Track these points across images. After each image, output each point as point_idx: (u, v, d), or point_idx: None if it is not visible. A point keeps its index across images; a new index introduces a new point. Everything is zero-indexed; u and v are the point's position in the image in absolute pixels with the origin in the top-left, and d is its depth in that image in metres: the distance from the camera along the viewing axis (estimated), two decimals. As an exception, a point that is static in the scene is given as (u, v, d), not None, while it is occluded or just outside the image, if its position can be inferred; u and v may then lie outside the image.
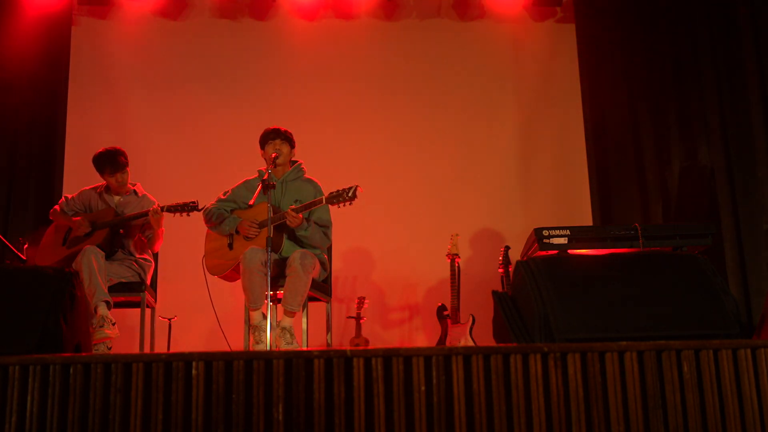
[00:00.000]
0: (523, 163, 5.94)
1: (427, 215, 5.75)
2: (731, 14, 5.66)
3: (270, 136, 4.34)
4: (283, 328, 3.95)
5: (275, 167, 4.26)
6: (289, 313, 3.97)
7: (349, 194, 3.92)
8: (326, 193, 4.12)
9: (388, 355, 2.16)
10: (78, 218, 4.40)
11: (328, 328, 4.44)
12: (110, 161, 4.40)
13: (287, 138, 4.35)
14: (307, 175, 4.41)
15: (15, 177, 5.56)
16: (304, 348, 4.20)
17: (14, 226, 5.45)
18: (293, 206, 4.08)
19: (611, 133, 5.84)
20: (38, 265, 4.27)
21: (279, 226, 4.09)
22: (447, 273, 4.93)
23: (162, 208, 4.30)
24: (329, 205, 4.09)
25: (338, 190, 3.96)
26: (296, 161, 4.43)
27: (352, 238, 5.48)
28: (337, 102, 5.95)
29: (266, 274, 3.95)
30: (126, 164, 4.45)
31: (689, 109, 5.75)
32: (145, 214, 4.31)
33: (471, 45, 6.11)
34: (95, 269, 4.00)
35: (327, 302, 4.41)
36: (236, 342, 4.51)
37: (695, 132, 5.72)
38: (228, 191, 4.40)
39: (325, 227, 4.26)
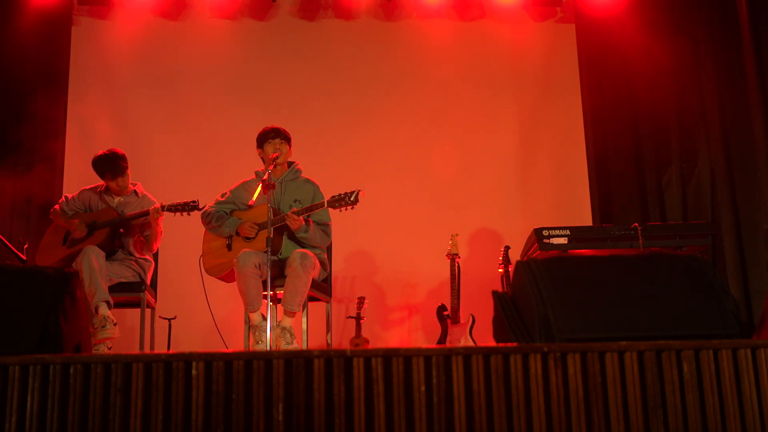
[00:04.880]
0: (523, 163, 5.93)
1: (427, 215, 5.75)
2: (731, 14, 5.66)
3: (269, 135, 4.33)
4: (283, 328, 3.95)
5: (275, 167, 4.26)
6: (289, 313, 3.97)
7: (351, 198, 3.92)
8: (325, 193, 4.13)
9: (388, 355, 2.16)
10: (76, 221, 4.39)
11: (328, 328, 4.44)
12: (111, 167, 4.40)
13: (286, 137, 4.35)
14: (304, 175, 4.41)
15: (16, 176, 5.56)
16: (304, 348, 4.20)
17: (15, 226, 5.45)
18: (294, 209, 4.08)
19: (611, 133, 5.84)
20: (38, 265, 4.28)
21: (279, 227, 4.09)
22: (447, 273, 4.93)
23: (162, 207, 4.30)
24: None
25: (340, 194, 3.96)
26: (293, 162, 4.43)
27: (352, 238, 5.47)
28: (337, 102, 5.95)
29: (260, 276, 3.96)
30: (126, 167, 4.45)
31: (689, 109, 5.75)
32: (146, 213, 4.31)
33: (471, 45, 6.10)
34: (95, 269, 4.00)
35: (327, 302, 4.41)
36: (236, 342, 4.51)
37: (695, 132, 5.72)
38: (226, 193, 4.40)
39: (326, 226, 4.26)
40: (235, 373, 2.14)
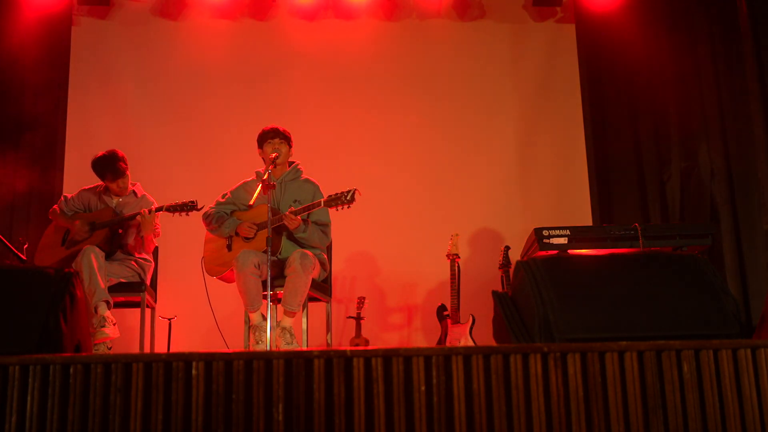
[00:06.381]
0: (523, 163, 5.93)
1: (427, 215, 5.75)
2: (731, 14, 5.67)
3: (269, 135, 4.33)
4: (283, 328, 3.95)
5: (275, 167, 4.26)
6: (289, 313, 3.97)
7: (348, 197, 3.91)
8: (324, 193, 4.13)
9: (388, 355, 2.16)
10: (77, 222, 4.39)
11: (328, 328, 4.44)
12: (111, 168, 4.40)
13: (286, 137, 4.34)
14: (304, 176, 4.41)
15: (16, 177, 5.56)
16: (304, 348, 4.20)
17: (15, 226, 5.45)
18: (292, 208, 4.08)
19: (611, 133, 5.84)
20: (38, 265, 4.28)
21: (278, 227, 4.09)
22: (447, 273, 4.93)
23: (161, 208, 4.30)
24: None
25: (337, 194, 3.95)
26: (293, 162, 4.43)
27: (352, 239, 5.47)
28: (337, 102, 5.95)
29: (260, 276, 3.96)
30: (126, 169, 4.45)
31: (689, 109, 5.75)
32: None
33: (471, 45, 6.10)
34: (95, 269, 4.01)
35: (327, 302, 4.41)
36: (236, 342, 4.51)
37: (695, 132, 5.72)
38: (226, 194, 4.40)
39: (324, 226, 4.26)
40: (235, 373, 2.14)
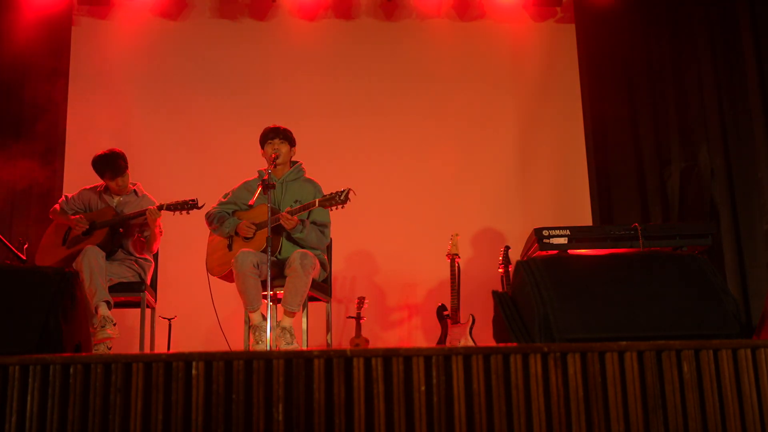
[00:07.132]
0: (523, 163, 5.93)
1: (427, 215, 5.75)
2: (731, 14, 5.67)
3: (269, 135, 4.33)
4: (283, 328, 3.95)
5: (275, 167, 4.26)
6: (289, 313, 3.97)
7: (341, 197, 3.91)
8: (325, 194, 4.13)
9: (388, 355, 2.16)
10: (77, 216, 4.41)
11: (328, 328, 4.44)
12: (110, 166, 4.40)
13: (286, 137, 4.34)
14: (307, 175, 4.40)
15: (16, 176, 5.56)
16: (304, 348, 4.20)
17: (15, 226, 5.45)
18: (288, 208, 4.08)
19: (611, 133, 5.84)
20: (38, 265, 4.28)
21: (276, 228, 4.09)
22: (447, 273, 4.93)
23: (162, 207, 4.30)
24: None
25: (331, 194, 3.96)
26: (296, 161, 4.42)
27: (352, 239, 5.47)
28: (337, 102, 5.95)
29: (259, 276, 3.96)
30: (126, 167, 4.45)
31: (689, 109, 5.75)
32: (144, 213, 4.31)
33: (471, 45, 6.11)
34: (96, 269, 4.00)
35: (327, 302, 4.41)
36: (236, 342, 4.51)
37: (695, 132, 5.73)
38: (228, 193, 4.40)
39: (323, 226, 4.25)
40: (235, 373, 2.14)
